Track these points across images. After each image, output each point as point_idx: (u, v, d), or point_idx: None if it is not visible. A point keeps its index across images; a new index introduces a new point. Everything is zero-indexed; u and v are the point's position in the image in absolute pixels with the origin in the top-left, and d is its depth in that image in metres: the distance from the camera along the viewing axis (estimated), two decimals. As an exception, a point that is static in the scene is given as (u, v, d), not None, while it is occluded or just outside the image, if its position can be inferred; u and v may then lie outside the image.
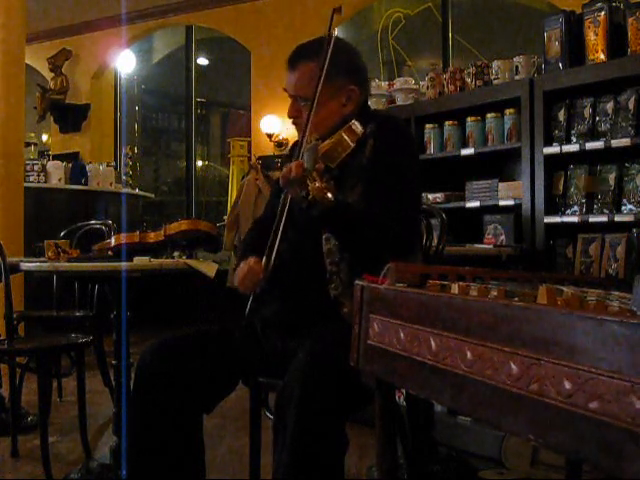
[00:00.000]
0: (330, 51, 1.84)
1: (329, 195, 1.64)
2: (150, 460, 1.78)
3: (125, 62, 8.39)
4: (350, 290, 1.59)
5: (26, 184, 5.32)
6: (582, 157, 3.15)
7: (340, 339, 1.50)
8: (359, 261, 1.77)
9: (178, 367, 1.78)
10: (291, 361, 1.62)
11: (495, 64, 3.55)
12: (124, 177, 7.17)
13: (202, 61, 9.34)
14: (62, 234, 3.95)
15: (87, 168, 6.53)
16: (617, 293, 1.11)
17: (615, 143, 2.95)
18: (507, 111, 3.46)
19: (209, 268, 2.46)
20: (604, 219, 2.98)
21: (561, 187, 3.21)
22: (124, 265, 2.36)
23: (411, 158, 1.92)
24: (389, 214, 1.75)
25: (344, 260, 1.79)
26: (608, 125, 3.04)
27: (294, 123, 1.97)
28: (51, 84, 8.50)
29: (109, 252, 2.69)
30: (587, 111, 3.13)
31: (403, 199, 1.82)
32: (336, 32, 7.37)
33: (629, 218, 2.91)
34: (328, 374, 1.54)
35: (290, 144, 2.20)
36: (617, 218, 2.94)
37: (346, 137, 1.80)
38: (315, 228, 1.81)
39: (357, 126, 1.83)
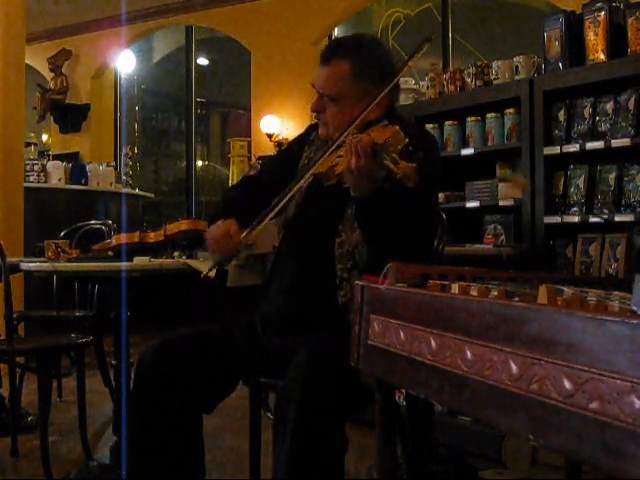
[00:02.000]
0: (399, 75, 1.81)
1: (415, 177, 1.47)
2: (150, 460, 1.78)
3: (125, 62, 8.39)
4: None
5: (26, 184, 5.32)
6: (582, 157, 3.15)
7: (341, 340, 1.50)
8: (371, 268, 1.74)
9: (178, 367, 1.78)
10: (291, 361, 1.62)
11: (495, 64, 3.55)
12: (124, 177, 7.17)
13: (202, 61, 9.34)
14: (62, 234, 3.95)
15: (87, 168, 6.53)
16: (617, 293, 1.11)
17: (615, 143, 2.95)
18: (507, 111, 3.46)
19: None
20: (604, 219, 2.99)
21: (561, 187, 3.21)
22: (124, 265, 2.36)
23: (438, 171, 1.88)
24: (417, 223, 1.73)
25: (356, 267, 1.75)
26: (608, 125, 3.05)
27: (316, 117, 1.91)
28: (51, 84, 8.50)
29: (109, 252, 2.69)
30: (587, 111, 3.13)
31: (429, 212, 1.82)
32: (336, 32, 7.32)
33: (629, 218, 2.91)
34: (328, 374, 1.54)
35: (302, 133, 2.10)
36: (617, 218, 2.94)
37: (401, 132, 1.60)
38: (370, 216, 1.68)
39: (403, 134, 1.67)
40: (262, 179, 2.08)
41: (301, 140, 2.05)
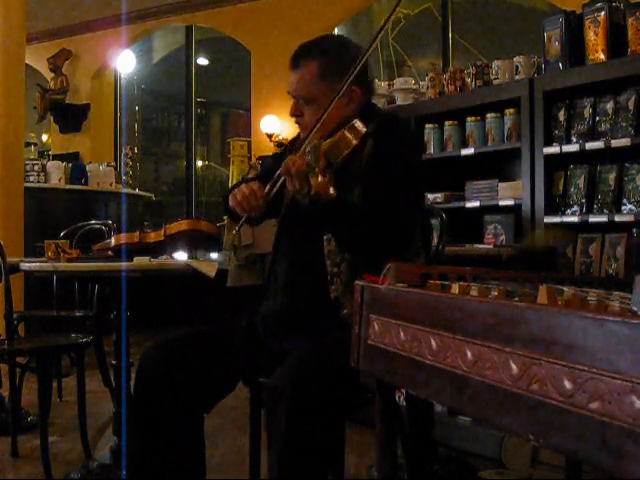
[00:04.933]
0: (369, 50, 1.86)
1: (331, 190, 1.62)
2: (150, 460, 1.78)
3: (125, 62, 8.39)
4: (350, 291, 1.57)
5: (26, 184, 5.32)
6: (582, 157, 3.15)
7: (334, 338, 1.50)
8: (360, 262, 1.76)
9: (178, 367, 1.78)
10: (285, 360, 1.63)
11: (495, 64, 3.55)
12: (124, 177, 7.17)
13: (202, 61, 9.34)
14: (62, 234, 3.95)
15: (87, 168, 6.53)
16: (617, 293, 1.11)
17: (615, 143, 2.95)
18: (507, 111, 3.46)
19: (209, 268, 2.46)
20: (604, 219, 2.99)
21: (561, 187, 3.21)
22: (124, 265, 2.36)
23: (411, 156, 1.89)
24: (387, 212, 1.74)
25: (345, 261, 1.78)
26: (608, 125, 3.04)
27: (296, 122, 1.95)
28: (51, 84, 8.49)
29: (109, 252, 2.68)
30: (587, 111, 3.13)
31: (401, 197, 1.79)
32: (336, 32, 7.32)
33: (629, 218, 2.91)
34: (318, 372, 1.55)
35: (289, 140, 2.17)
36: (617, 218, 2.94)
37: (348, 134, 1.77)
38: (314, 226, 1.80)
39: (359, 124, 1.80)
40: (261, 179, 2.09)
41: (295, 140, 2.07)
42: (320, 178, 1.62)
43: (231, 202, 1.86)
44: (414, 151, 1.95)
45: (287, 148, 2.11)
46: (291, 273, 1.88)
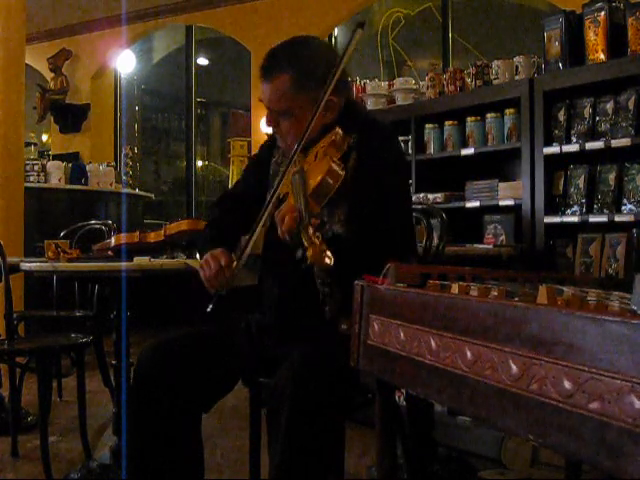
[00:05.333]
0: (338, 73, 1.73)
1: (327, 260, 1.48)
2: (148, 459, 1.78)
3: (125, 62, 8.39)
4: (346, 308, 1.50)
5: (26, 184, 5.32)
6: (582, 157, 3.15)
7: (334, 338, 1.50)
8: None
9: (175, 366, 1.78)
10: (285, 360, 1.62)
11: (495, 64, 3.55)
12: (124, 177, 7.16)
13: (202, 61, 9.34)
14: (62, 234, 3.95)
15: (87, 168, 6.53)
16: (617, 293, 1.11)
17: (615, 143, 2.95)
18: (507, 111, 3.46)
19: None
20: (604, 219, 2.99)
21: (561, 187, 3.21)
22: (124, 265, 2.35)
23: (396, 165, 1.86)
24: (382, 232, 1.71)
25: (334, 282, 1.75)
26: (608, 125, 3.05)
27: (274, 132, 1.90)
28: (51, 84, 8.49)
29: (109, 252, 2.69)
30: (587, 111, 3.13)
31: (392, 213, 1.77)
32: (336, 32, 7.30)
33: (629, 218, 2.91)
34: (320, 372, 1.54)
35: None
36: (617, 218, 2.94)
37: (335, 167, 1.65)
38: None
39: (341, 142, 1.73)
40: (240, 188, 2.09)
41: (269, 142, 2.04)
42: (315, 242, 1.48)
43: (200, 273, 1.82)
44: (397, 159, 1.89)
45: (271, 146, 2.04)
46: (281, 293, 1.84)
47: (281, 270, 1.86)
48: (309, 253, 1.48)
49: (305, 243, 1.50)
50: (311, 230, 1.51)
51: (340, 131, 1.75)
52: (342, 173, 1.66)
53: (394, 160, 1.86)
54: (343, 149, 1.74)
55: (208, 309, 1.79)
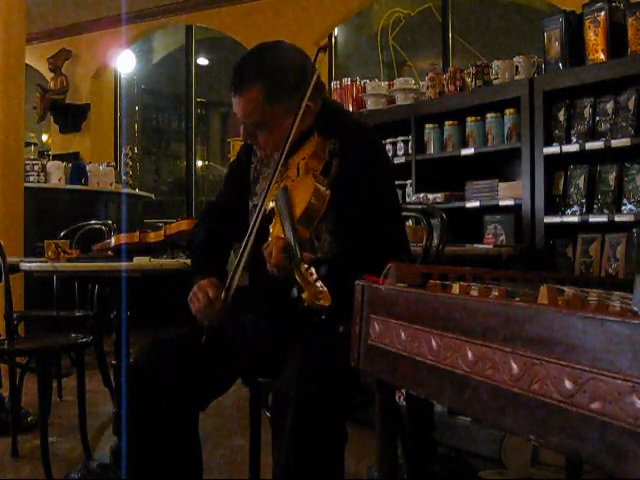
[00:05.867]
0: (311, 87, 1.72)
1: (324, 302, 1.38)
2: (146, 458, 1.79)
3: (125, 62, 8.38)
4: (342, 312, 1.47)
5: (26, 184, 5.32)
6: (582, 157, 3.15)
7: (335, 339, 1.50)
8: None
9: (173, 365, 1.78)
10: (287, 359, 1.62)
11: (495, 64, 3.55)
12: (124, 177, 7.16)
13: (202, 61, 9.33)
14: (62, 234, 3.95)
15: (87, 168, 6.52)
16: (618, 293, 1.11)
17: (615, 143, 2.95)
18: (507, 111, 3.46)
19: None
20: (604, 219, 2.98)
21: (561, 187, 3.21)
22: (124, 265, 2.35)
23: (383, 167, 1.86)
24: (376, 236, 1.71)
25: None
26: (608, 125, 3.04)
27: (252, 143, 1.88)
28: (51, 84, 8.49)
29: (109, 252, 2.68)
30: (587, 111, 3.13)
31: (385, 215, 1.77)
32: (336, 32, 7.29)
33: (629, 218, 2.91)
34: (325, 372, 1.54)
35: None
36: (617, 218, 2.94)
37: (320, 187, 1.63)
38: None
39: (321, 152, 1.72)
40: (223, 201, 2.08)
41: (246, 148, 2.02)
42: (308, 288, 1.39)
43: (190, 307, 1.81)
44: (380, 163, 1.87)
45: (243, 151, 2.03)
46: (274, 299, 1.82)
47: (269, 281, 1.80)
48: (305, 296, 1.38)
49: (300, 282, 1.40)
50: (304, 267, 1.42)
51: (319, 139, 1.74)
52: (327, 192, 1.63)
53: (379, 162, 1.85)
54: (324, 158, 1.73)
55: (202, 340, 1.78)
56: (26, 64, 5.44)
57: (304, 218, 1.58)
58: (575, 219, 3.09)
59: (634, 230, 2.90)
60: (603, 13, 3.03)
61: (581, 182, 3.14)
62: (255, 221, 1.73)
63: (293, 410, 1.50)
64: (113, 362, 2.59)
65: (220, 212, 2.05)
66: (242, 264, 1.72)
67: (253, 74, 1.77)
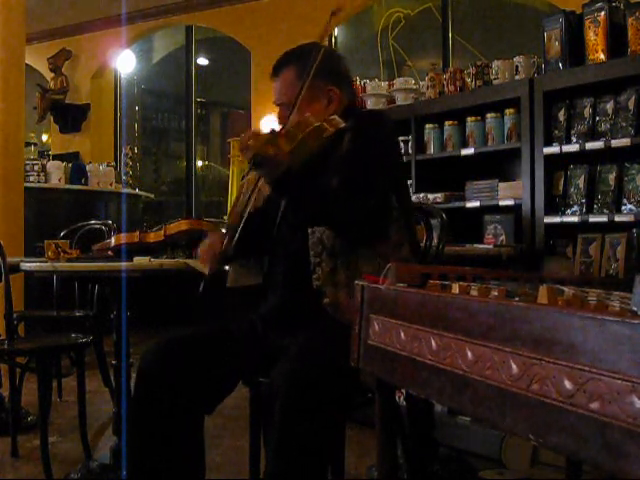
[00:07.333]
0: (319, 57, 1.86)
1: (271, 151, 1.64)
2: (150, 461, 1.78)
3: (125, 62, 8.38)
4: (331, 280, 1.72)
5: (26, 184, 5.32)
6: (582, 157, 3.15)
7: (328, 336, 1.51)
8: (338, 250, 1.80)
9: (179, 367, 1.79)
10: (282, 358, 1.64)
11: (495, 64, 3.55)
12: (124, 177, 7.16)
13: (202, 61, 9.33)
14: (62, 234, 3.95)
15: (87, 168, 6.52)
16: (618, 293, 1.11)
17: (615, 143, 2.95)
18: (507, 111, 3.46)
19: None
20: (604, 219, 2.98)
21: (561, 187, 3.21)
22: (124, 265, 2.35)
23: (386, 148, 1.92)
24: (355, 189, 1.76)
25: (325, 250, 1.81)
26: (608, 125, 3.05)
27: None
28: (51, 84, 8.49)
29: (109, 252, 2.68)
30: (587, 111, 3.13)
31: (371, 180, 1.81)
32: (336, 32, 7.32)
33: (629, 218, 2.91)
34: (315, 369, 1.55)
35: None
36: (617, 218, 2.94)
37: (325, 124, 1.80)
38: (287, 200, 1.84)
39: (335, 118, 1.84)
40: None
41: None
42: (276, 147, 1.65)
43: (198, 251, 2.00)
44: (388, 143, 1.95)
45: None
46: (285, 271, 1.92)
47: (285, 249, 1.93)
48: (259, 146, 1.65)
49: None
50: (279, 140, 1.68)
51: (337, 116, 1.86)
52: (330, 129, 1.79)
53: (383, 146, 1.91)
54: (335, 123, 1.83)
55: (200, 290, 1.92)
56: (26, 64, 5.44)
57: (293, 125, 1.79)
58: (575, 219, 3.09)
59: (634, 230, 2.90)
60: (603, 13, 3.03)
61: (581, 182, 3.14)
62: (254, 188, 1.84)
63: (280, 405, 1.51)
64: (113, 362, 2.59)
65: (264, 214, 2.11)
66: (245, 216, 1.84)
67: (289, 58, 1.99)
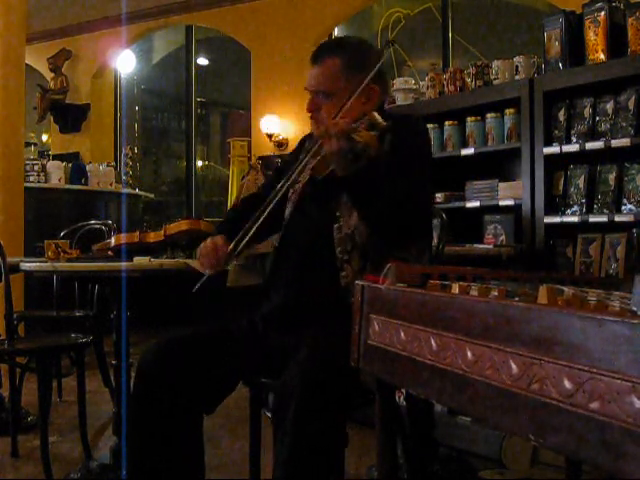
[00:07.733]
0: (378, 66, 1.83)
1: (377, 144, 1.57)
2: (150, 461, 1.78)
3: (125, 62, 8.38)
4: (359, 279, 1.62)
5: (26, 184, 5.31)
6: (582, 157, 3.15)
7: (341, 336, 1.50)
8: (370, 249, 1.78)
9: (178, 367, 1.79)
10: (291, 358, 1.62)
11: (495, 64, 3.55)
12: (124, 177, 7.16)
13: (202, 61, 9.34)
14: (62, 234, 3.95)
15: (87, 168, 6.53)
16: (617, 293, 1.11)
17: (615, 143, 2.95)
18: (507, 111, 3.46)
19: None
20: (604, 219, 2.98)
21: (561, 187, 3.21)
22: (124, 265, 2.35)
23: (427, 153, 1.94)
24: (409, 197, 1.76)
25: (355, 247, 1.79)
26: (608, 125, 3.05)
27: (312, 117, 1.95)
28: (51, 84, 8.49)
29: (109, 252, 2.68)
30: (587, 111, 3.13)
31: (420, 190, 1.82)
32: (336, 32, 7.31)
33: (629, 218, 2.91)
34: (328, 371, 1.54)
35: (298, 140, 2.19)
36: (617, 218, 2.94)
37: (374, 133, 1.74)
38: (349, 188, 1.76)
39: (378, 117, 1.78)
40: (262, 195, 2.11)
41: (296, 151, 2.09)
42: (365, 132, 1.58)
43: (197, 253, 1.93)
44: (428, 148, 1.98)
45: (304, 140, 2.11)
46: (299, 266, 1.88)
47: (302, 242, 1.89)
48: (361, 134, 1.57)
49: (355, 136, 1.58)
50: (363, 127, 1.60)
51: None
52: (376, 119, 1.71)
53: (425, 150, 1.92)
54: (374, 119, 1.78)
55: (195, 289, 1.86)
56: (26, 64, 5.44)
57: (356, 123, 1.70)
58: (575, 219, 3.09)
59: (634, 230, 2.90)
60: (603, 13, 3.03)
61: (581, 182, 3.14)
62: (284, 184, 1.81)
63: (295, 409, 1.50)
64: (113, 362, 2.59)
65: (256, 197, 2.10)
66: (259, 222, 1.80)
67: (335, 48, 1.93)
